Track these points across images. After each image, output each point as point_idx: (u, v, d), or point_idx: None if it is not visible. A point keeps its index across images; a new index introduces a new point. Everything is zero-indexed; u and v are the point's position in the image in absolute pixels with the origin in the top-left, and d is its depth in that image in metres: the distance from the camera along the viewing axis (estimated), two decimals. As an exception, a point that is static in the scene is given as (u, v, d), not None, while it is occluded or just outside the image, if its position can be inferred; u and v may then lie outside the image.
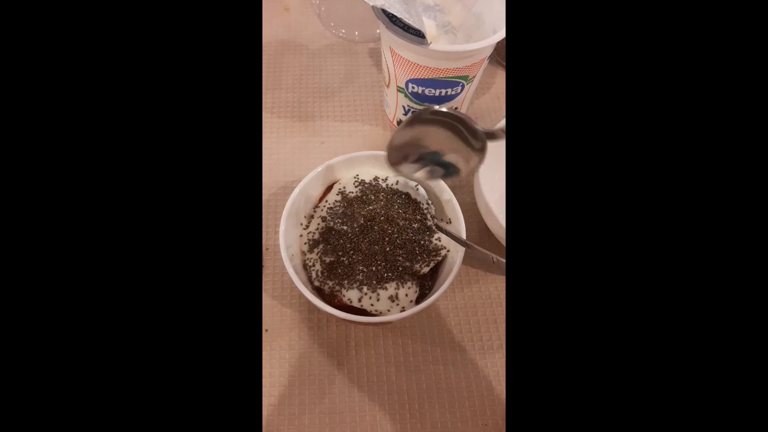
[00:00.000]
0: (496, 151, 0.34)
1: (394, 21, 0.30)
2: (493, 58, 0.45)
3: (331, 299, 0.30)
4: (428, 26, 0.38)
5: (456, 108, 0.37)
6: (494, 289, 0.34)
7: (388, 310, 0.29)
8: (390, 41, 0.32)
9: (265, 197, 0.37)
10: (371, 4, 0.25)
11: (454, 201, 0.31)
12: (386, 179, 0.33)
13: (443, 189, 0.32)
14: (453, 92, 0.35)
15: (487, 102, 0.43)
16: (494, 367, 0.32)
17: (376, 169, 0.33)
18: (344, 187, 0.32)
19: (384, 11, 0.30)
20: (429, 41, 0.29)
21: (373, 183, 0.33)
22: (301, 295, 0.32)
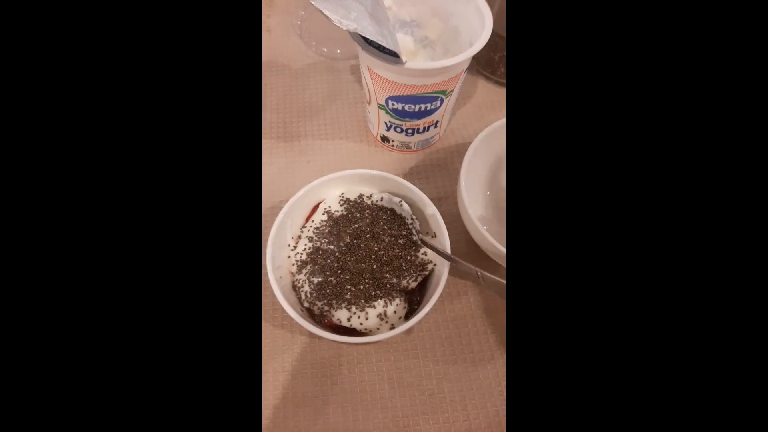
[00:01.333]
0: (478, 163, 0.34)
1: (369, 42, 0.31)
2: (473, 68, 0.46)
3: (321, 320, 0.30)
4: (406, 42, 0.39)
5: (437, 122, 0.38)
6: (483, 299, 0.35)
7: (378, 328, 0.29)
8: (367, 61, 0.32)
9: (252, 219, 0.37)
10: (344, 28, 0.26)
11: (438, 215, 0.31)
12: (371, 196, 0.33)
13: (426, 203, 0.32)
14: (432, 107, 0.35)
15: (468, 111, 0.44)
16: (486, 378, 0.32)
17: (360, 187, 0.34)
18: (330, 207, 0.33)
19: (358, 33, 0.31)
20: (404, 60, 0.30)
21: (358, 201, 0.33)
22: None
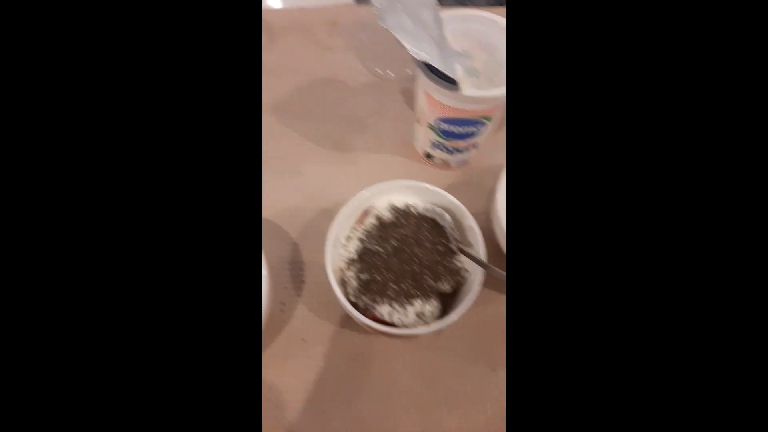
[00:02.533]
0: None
1: (432, 69, 0.35)
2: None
3: (364, 313, 0.33)
4: (458, 71, 0.43)
5: (477, 144, 0.42)
6: (505, 308, 0.38)
7: (415, 325, 0.32)
8: (426, 86, 0.37)
9: (307, 218, 0.41)
10: (416, 57, 0.30)
11: (476, 227, 0.35)
12: (416, 206, 0.37)
13: (466, 216, 0.36)
14: (476, 130, 0.39)
15: (498, 139, 0.47)
16: (504, 382, 0.35)
17: (407, 197, 0.37)
18: (380, 213, 0.36)
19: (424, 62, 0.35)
20: (460, 87, 0.34)
21: (405, 209, 0.37)
22: (336, 308, 0.36)
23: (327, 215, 0.35)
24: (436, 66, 0.30)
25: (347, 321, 0.36)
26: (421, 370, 0.35)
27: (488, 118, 0.38)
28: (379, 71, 0.51)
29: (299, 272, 0.39)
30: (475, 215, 0.41)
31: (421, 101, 0.39)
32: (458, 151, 0.42)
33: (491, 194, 0.36)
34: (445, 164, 0.44)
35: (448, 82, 0.34)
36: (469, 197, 0.43)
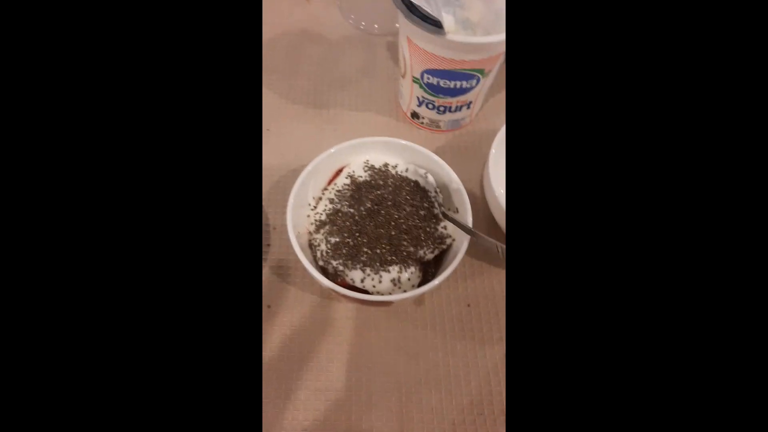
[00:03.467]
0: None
1: (412, 10, 0.31)
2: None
3: (334, 279, 0.30)
4: (447, 21, 0.39)
5: (470, 103, 0.38)
6: (497, 283, 0.34)
7: (390, 293, 0.29)
8: (408, 30, 0.33)
9: (275, 179, 0.38)
10: (391, -11, 0.26)
11: (463, 190, 0.31)
12: (396, 166, 0.33)
13: (452, 178, 0.32)
14: (468, 85, 0.35)
15: (502, 99, 0.44)
16: (493, 359, 0.32)
17: (386, 156, 0.34)
18: (353, 171, 0.33)
19: (403, 0, 0.31)
20: (447, 31, 0.30)
21: (383, 169, 0.33)
22: (305, 274, 0.33)
23: (297, 176, 0.31)
24: (414, 1, 0.26)
25: (317, 286, 0.33)
26: (399, 343, 0.32)
27: (482, 72, 0.34)
28: (363, 24, 0.46)
29: (264, 236, 0.35)
30: (467, 182, 0.38)
31: (404, 50, 0.35)
32: (449, 109, 0.38)
33: (486, 160, 0.33)
34: (435, 125, 0.41)
35: (431, 24, 0.30)
36: (460, 162, 0.39)
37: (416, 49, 0.33)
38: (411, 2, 0.30)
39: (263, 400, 0.30)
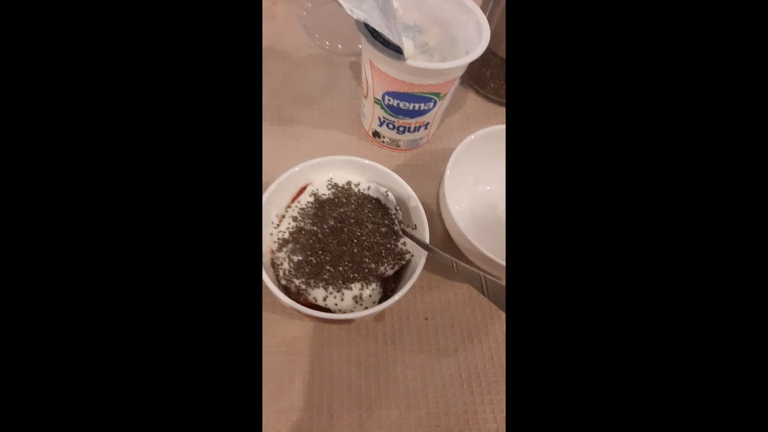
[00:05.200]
0: (462, 166, 0.36)
1: (375, 36, 0.32)
2: (464, 80, 0.48)
3: (296, 297, 0.30)
4: (407, 45, 0.41)
5: (428, 124, 0.40)
6: (453, 295, 0.36)
7: (352, 310, 0.30)
8: (370, 54, 0.34)
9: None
10: (354, 17, 0.27)
11: (420, 208, 0.33)
12: (358, 184, 0.34)
13: (411, 196, 0.33)
14: (426, 107, 0.37)
15: (456, 120, 0.46)
16: (449, 370, 0.33)
17: (349, 174, 0.35)
18: (317, 189, 0.33)
19: (366, 26, 0.32)
20: (406, 57, 0.32)
21: (346, 187, 0.34)
22: (267, 293, 0.33)
23: (263, 193, 0.31)
24: (377, 29, 0.28)
25: (279, 306, 0.33)
26: (359, 360, 0.32)
27: (438, 95, 0.36)
28: (328, 44, 0.48)
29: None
30: (424, 199, 0.40)
31: (367, 72, 0.36)
32: (408, 130, 0.40)
33: (441, 178, 0.35)
34: (395, 144, 0.42)
35: (393, 50, 0.32)
36: (418, 180, 0.41)
37: (378, 73, 0.35)
38: (373, 29, 0.31)
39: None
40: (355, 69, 0.47)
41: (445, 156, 0.41)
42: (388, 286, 0.32)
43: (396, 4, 0.38)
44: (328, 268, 0.30)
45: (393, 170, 0.34)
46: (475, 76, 0.47)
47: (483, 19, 0.36)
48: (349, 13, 0.26)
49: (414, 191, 0.33)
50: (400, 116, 0.38)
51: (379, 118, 0.39)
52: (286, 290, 0.31)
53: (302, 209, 0.33)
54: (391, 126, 0.39)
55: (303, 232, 0.32)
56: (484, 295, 0.25)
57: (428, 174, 0.42)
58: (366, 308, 0.30)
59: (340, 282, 0.30)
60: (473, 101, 0.48)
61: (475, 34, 0.36)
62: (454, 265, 0.29)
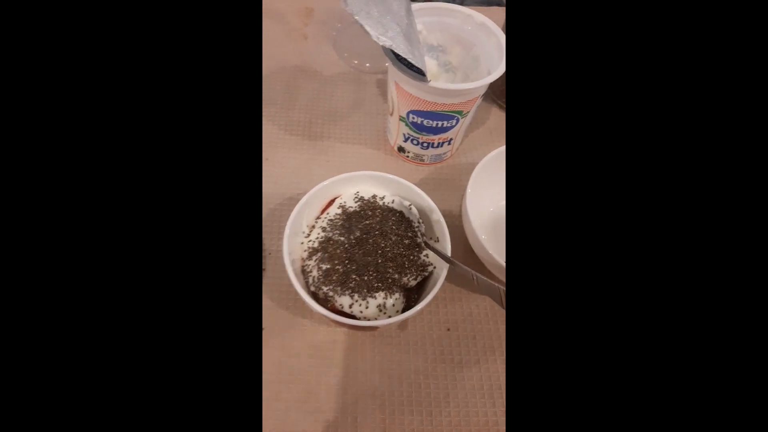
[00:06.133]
0: (484, 181, 0.37)
1: (399, 59, 0.34)
2: (488, 96, 0.49)
3: (324, 304, 0.32)
4: (430, 64, 0.42)
5: (451, 140, 0.41)
6: (475, 307, 0.37)
7: (376, 318, 0.31)
8: (395, 76, 0.36)
9: (271, 206, 0.40)
10: (380, 43, 0.29)
11: (443, 221, 0.34)
12: (383, 198, 0.36)
13: (433, 210, 0.35)
14: (449, 124, 0.38)
15: (479, 135, 0.47)
16: (471, 380, 0.34)
17: (374, 188, 0.37)
18: (345, 202, 0.35)
19: (392, 50, 0.34)
20: (429, 79, 0.33)
21: (371, 200, 0.36)
22: (297, 299, 0.35)
23: (293, 204, 0.34)
24: (401, 54, 0.30)
25: (308, 311, 0.35)
26: (383, 366, 0.34)
27: (461, 113, 0.38)
28: (356, 62, 0.50)
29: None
30: (447, 212, 0.41)
31: (392, 92, 0.38)
32: (431, 145, 0.41)
33: (464, 193, 0.36)
34: (419, 159, 0.44)
35: (416, 72, 0.34)
36: (441, 194, 0.43)
37: (403, 93, 0.36)
38: (398, 54, 0.33)
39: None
40: (382, 86, 0.49)
41: (468, 170, 0.42)
42: (411, 296, 0.34)
43: (420, 27, 0.40)
44: (354, 276, 0.32)
45: (417, 184, 0.36)
46: (498, 92, 0.48)
47: (504, 39, 0.37)
48: (376, 40, 0.28)
49: (437, 205, 0.35)
50: (424, 133, 0.39)
51: (404, 134, 0.41)
52: (314, 296, 0.32)
53: (331, 220, 0.35)
54: (415, 142, 0.41)
55: (331, 242, 0.34)
56: (502, 307, 0.26)
57: (451, 188, 0.43)
58: (390, 317, 0.31)
59: (365, 290, 0.32)
60: (496, 116, 0.49)
61: (497, 54, 0.37)
62: (474, 277, 0.30)
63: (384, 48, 0.33)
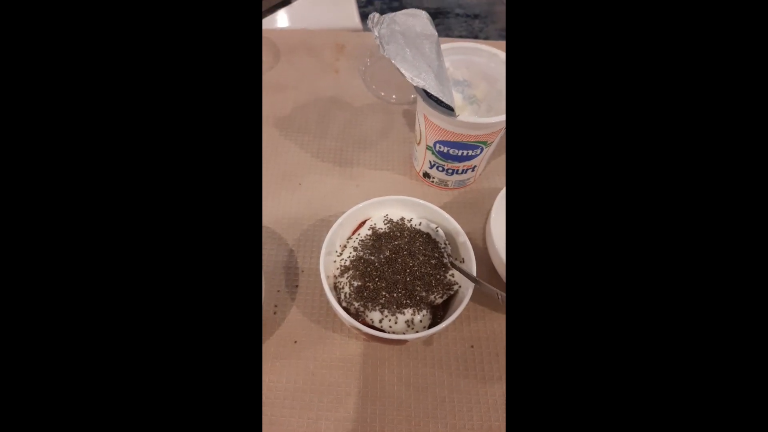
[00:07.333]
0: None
1: (430, 96, 0.38)
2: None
3: (356, 318, 0.34)
4: (456, 97, 0.46)
5: (475, 167, 0.44)
6: (498, 326, 0.39)
7: (404, 333, 0.34)
8: (425, 110, 0.39)
9: (304, 227, 0.43)
10: (414, 84, 0.32)
11: (468, 242, 0.36)
12: (411, 220, 0.39)
13: (459, 232, 0.37)
14: (473, 153, 0.41)
15: (503, 161, 0.50)
16: (493, 396, 0.35)
17: (403, 211, 0.39)
18: (375, 224, 0.38)
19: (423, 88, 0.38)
20: (457, 114, 0.36)
21: (400, 222, 0.38)
22: (328, 313, 0.37)
23: (325, 225, 0.37)
24: (432, 93, 0.33)
25: (339, 325, 0.38)
26: (410, 380, 0.36)
27: (485, 143, 0.41)
28: (383, 94, 0.54)
29: (293, 277, 0.40)
30: (471, 234, 0.43)
31: (421, 124, 0.41)
32: (456, 172, 0.44)
33: (488, 216, 0.38)
34: (444, 184, 0.46)
35: (445, 108, 0.37)
36: (465, 217, 0.45)
37: (431, 125, 0.40)
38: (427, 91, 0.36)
39: (287, 428, 0.33)
40: (408, 116, 0.53)
41: (491, 194, 0.45)
42: (437, 314, 0.36)
43: (447, 64, 0.44)
44: (383, 293, 0.34)
45: (441, 207, 0.38)
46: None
47: (526, 76, 0.40)
48: (410, 81, 0.32)
49: (462, 227, 0.37)
50: (450, 161, 0.42)
51: (430, 162, 0.44)
52: (346, 311, 0.35)
53: (362, 241, 0.38)
54: (440, 168, 0.44)
55: (362, 260, 0.36)
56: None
57: (475, 211, 0.45)
58: (417, 332, 0.33)
59: (395, 307, 0.34)
60: (516, 144, 0.52)
61: (519, 90, 0.40)
62: (499, 297, 0.32)
63: (416, 87, 0.37)
